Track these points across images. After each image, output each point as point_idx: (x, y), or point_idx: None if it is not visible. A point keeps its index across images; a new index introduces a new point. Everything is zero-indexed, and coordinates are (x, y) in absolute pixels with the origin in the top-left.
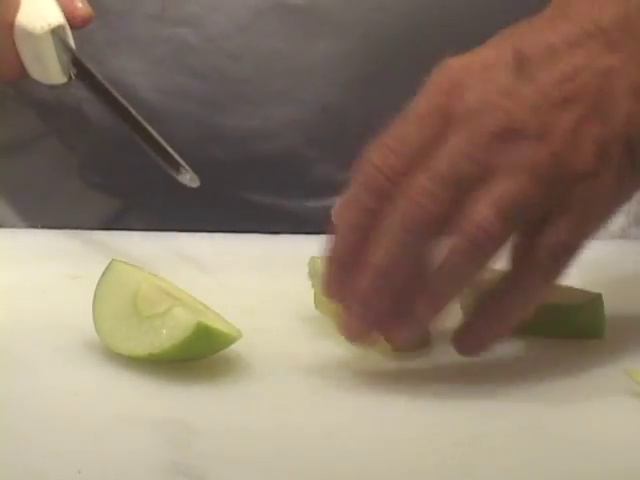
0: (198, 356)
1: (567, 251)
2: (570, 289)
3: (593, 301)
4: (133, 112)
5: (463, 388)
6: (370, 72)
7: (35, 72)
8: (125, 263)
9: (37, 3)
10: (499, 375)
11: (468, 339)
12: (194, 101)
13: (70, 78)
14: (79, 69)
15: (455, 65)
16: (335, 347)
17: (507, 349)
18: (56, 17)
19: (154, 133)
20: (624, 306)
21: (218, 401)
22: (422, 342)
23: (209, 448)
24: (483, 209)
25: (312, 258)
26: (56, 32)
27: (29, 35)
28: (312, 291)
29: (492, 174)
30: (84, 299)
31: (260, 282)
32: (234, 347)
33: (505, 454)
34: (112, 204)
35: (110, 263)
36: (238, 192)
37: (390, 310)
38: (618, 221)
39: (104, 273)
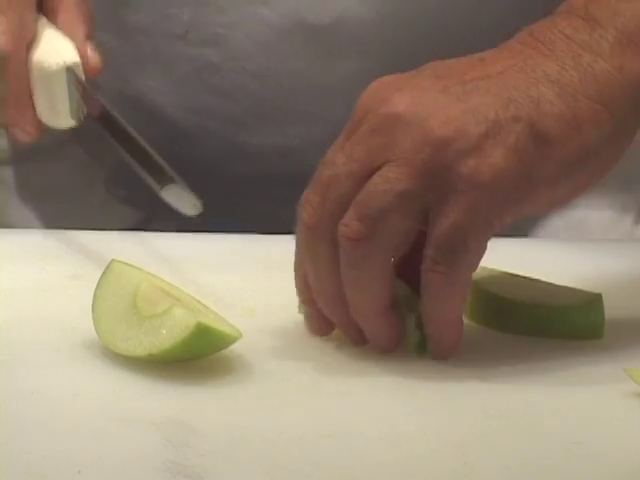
0: (198, 356)
1: (454, 238)
2: (570, 289)
3: (593, 301)
4: (155, 157)
5: (463, 388)
6: None
7: (44, 113)
8: (125, 263)
9: (53, 41)
10: (499, 375)
11: (431, 347)
12: (217, 119)
13: (79, 121)
14: (92, 107)
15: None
16: (335, 347)
17: (507, 349)
18: (72, 55)
19: (175, 176)
20: (624, 306)
21: (218, 401)
22: (423, 345)
23: (209, 448)
24: (348, 214)
25: None
26: (71, 70)
27: (43, 71)
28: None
29: (369, 173)
30: (84, 299)
31: (260, 282)
32: (234, 347)
33: (505, 454)
34: (134, 215)
35: (110, 263)
36: (261, 206)
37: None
38: (627, 221)
39: (104, 273)
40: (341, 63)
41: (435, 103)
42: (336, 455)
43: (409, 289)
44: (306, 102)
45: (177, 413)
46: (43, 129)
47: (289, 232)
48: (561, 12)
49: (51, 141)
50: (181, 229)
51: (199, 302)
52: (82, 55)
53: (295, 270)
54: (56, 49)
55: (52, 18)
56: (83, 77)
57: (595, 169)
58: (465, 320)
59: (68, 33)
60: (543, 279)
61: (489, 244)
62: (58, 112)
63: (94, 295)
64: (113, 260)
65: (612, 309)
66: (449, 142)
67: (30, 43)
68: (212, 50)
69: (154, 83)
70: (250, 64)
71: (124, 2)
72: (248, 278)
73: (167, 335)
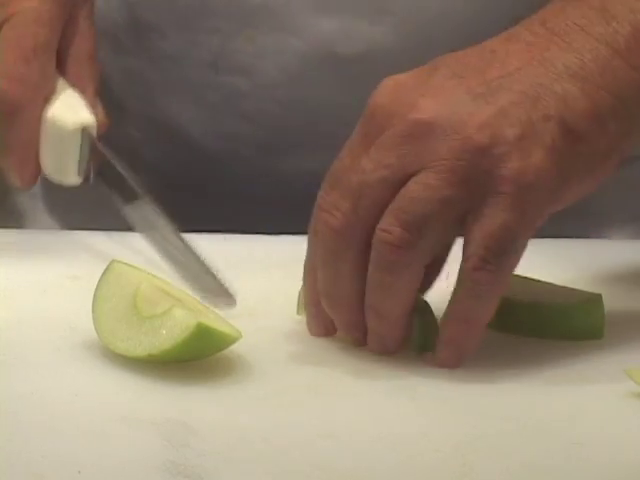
0: (198, 356)
1: (504, 238)
2: (570, 289)
3: (593, 301)
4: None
5: (463, 388)
6: None
7: (50, 168)
8: (125, 264)
9: (69, 98)
10: (499, 375)
11: (445, 353)
12: (246, 145)
13: (85, 179)
14: (105, 169)
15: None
16: (335, 348)
17: (507, 349)
18: (88, 116)
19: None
20: (624, 306)
21: (218, 401)
22: (433, 343)
23: (209, 448)
24: (391, 222)
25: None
26: (86, 131)
27: (58, 129)
28: (299, 294)
29: (402, 179)
30: (84, 299)
31: (260, 282)
32: (234, 347)
33: (505, 454)
34: None
35: (110, 264)
36: (287, 229)
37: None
38: None
39: (104, 273)
40: (368, 92)
41: (465, 108)
42: (336, 455)
43: None
44: (333, 129)
45: (177, 413)
46: (38, 179)
47: (289, 232)
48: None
49: None
50: (181, 230)
51: (199, 302)
52: (93, 112)
53: (306, 271)
54: (72, 108)
55: (61, 71)
56: (95, 136)
57: (613, 164)
58: None
59: (78, 88)
60: (543, 279)
61: None
62: (66, 169)
63: (94, 295)
64: (113, 260)
65: (612, 309)
66: (488, 148)
67: (47, 97)
68: (241, 78)
69: (183, 109)
70: (278, 92)
71: (154, 28)
72: (248, 278)
73: (167, 335)
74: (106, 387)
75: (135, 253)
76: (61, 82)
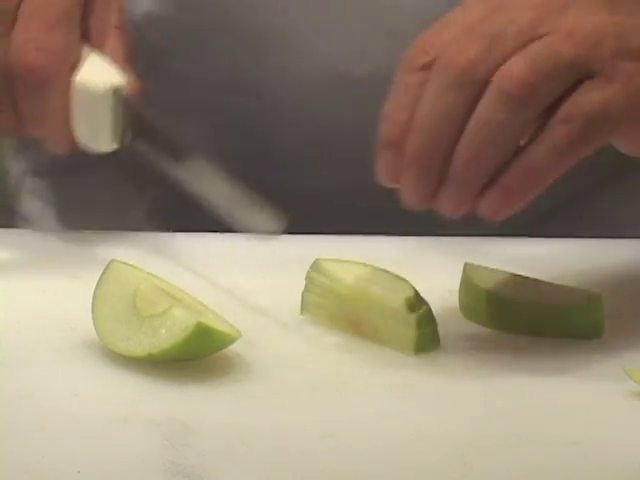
0: (197, 356)
1: (597, 109)
2: (570, 289)
3: (593, 301)
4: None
5: (463, 388)
6: None
7: (84, 135)
8: (124, 263)
9: (97, 63)
10: (499, 375)
11: (491, 198)
12: (255, 165)
13: (121, 144)
14: (139, 127)
15: None
16: (335, 347)
17: (507, 349)
18: (118, 77)
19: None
20: (624, 306)
21: (217, 401)
22: (432, 343)
23: (208, 448)
24: (519, 61)
25: (317, 260)
26: (117, 92)
27: (89, 93)
28: (302, 294)
29: (530, 37)
30: (83, 299)
31: (260, 282)
32: (233, 347)
33: (504, 454)
34: (134, 214)
35: (109, 263)
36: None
37: (440, 173)
38: None
39: (103, 273)
40: (377, 113)
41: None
42: (336, 455)
43: (413, 289)
44: (342, 150)
45: (177, 413)
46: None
47: (289, 232)
48: None
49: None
50: (180, 229)
51: (198, 302)
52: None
53: (394, 111)
54: (101, 71)
55: (88, 40)
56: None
57: None
58: (465, 320)
59: (109, 55)
60: (543, 279)
61: (489, 244)
62: (100, 135)
63: (94, 295)
64: (113, 260)
65: (612, 309)
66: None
67: (74, 65)
68: (250, 99)
69: (191, 129)
70: (288, 113)
71: (163, 49)
72: (248, 278)
73: (167, 335)
74: (106, 387)
75: (134, 253)
76: (88, 50)
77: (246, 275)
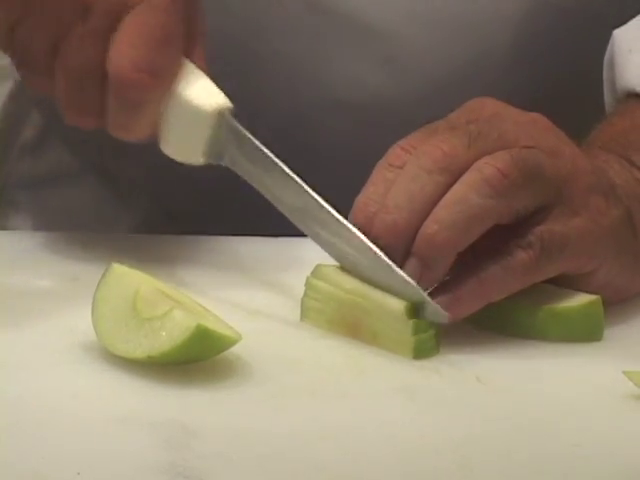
0: (197, 358)
1: (556, 241)
2: (569, 291)
3: (592, 303)
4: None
5: (462, 389)
6: None
7: (172, 148)
8: (125, 266)
9: (201, 83)
10: (498, 377)
11: (444, 300)
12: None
13: (208, 161)
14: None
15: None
16: (334, 349)
17: (506, 351)
18: (224, 99)
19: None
20: (624, 307)
21: (217, 403)
22: (432, 348)
23: (208, 450)
24: (504, 155)
25: (318, 266)
26: (221, 113)
27: (193, 113)
28: (302, 300)
29: (515, 144)
30: (83, 301)
31: (260, 284)
32: (233, 349)
33: (505, 454)
34: (134, 217)
35: (109, 265)
36: None
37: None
38: None
39: (103, 275)
40: (377, 138)
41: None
42: (336, 457)
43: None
44: (342, 174)
45: (176, 415)
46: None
47: (289, 234)
48: None
49: (64, 171)
50: (181, 232)
51: (198, 304)
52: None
53: (365, 202)
54: (206, 90)
55: (186, 54)
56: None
57: None
58: (464, 322)
59: (196, 62)
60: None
61: None
62: (193, 150)
63: (94, 297)
64: (113, 263)
65: (612, 310)
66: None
67: (173, 79)
68: (249, 122)
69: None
70: (286, 137)
71: None
72: (248, 280)
73: (167, 337)
74: (105, 389)
75: (135, 255)
76: (189, 65)
77: (246, 277)
